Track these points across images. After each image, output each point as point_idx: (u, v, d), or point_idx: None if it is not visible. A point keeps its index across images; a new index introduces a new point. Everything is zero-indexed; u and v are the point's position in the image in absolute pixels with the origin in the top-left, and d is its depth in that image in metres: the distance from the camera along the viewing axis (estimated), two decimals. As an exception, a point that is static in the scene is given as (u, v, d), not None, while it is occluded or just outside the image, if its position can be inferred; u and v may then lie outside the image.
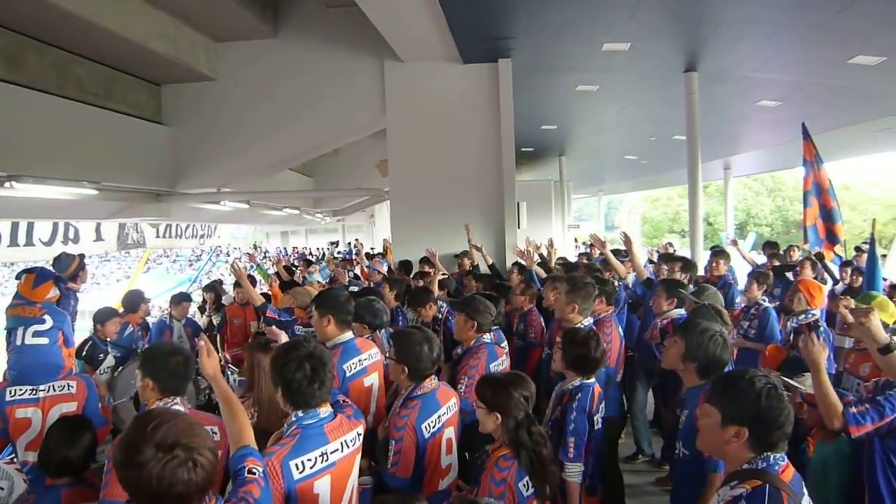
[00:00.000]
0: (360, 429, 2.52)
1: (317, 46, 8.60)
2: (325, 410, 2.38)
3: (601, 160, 19.54)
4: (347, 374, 3.28)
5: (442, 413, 2.90)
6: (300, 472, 2.20)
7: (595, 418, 3.17)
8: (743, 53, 7.62)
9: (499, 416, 2.50)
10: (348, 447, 2.41)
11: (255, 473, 1.93)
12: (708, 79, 8.22)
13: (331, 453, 2.33)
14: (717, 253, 7.15)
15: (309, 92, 8.67)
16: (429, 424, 2.80)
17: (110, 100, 8.16)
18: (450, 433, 2.95)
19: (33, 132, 6.85)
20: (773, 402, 1.92)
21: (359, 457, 2.51)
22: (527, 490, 2.44)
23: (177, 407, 2.54)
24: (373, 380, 3.45)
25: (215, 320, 7.39)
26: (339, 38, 8.48)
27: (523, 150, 14.80)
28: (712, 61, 7.79)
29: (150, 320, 6.74)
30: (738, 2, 6.06)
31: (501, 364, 3.90)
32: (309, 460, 2.24)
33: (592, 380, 3.22)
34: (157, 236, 20.84)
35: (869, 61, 7.10)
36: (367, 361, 3.42)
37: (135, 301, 6.21)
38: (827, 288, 6.73)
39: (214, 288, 7.96)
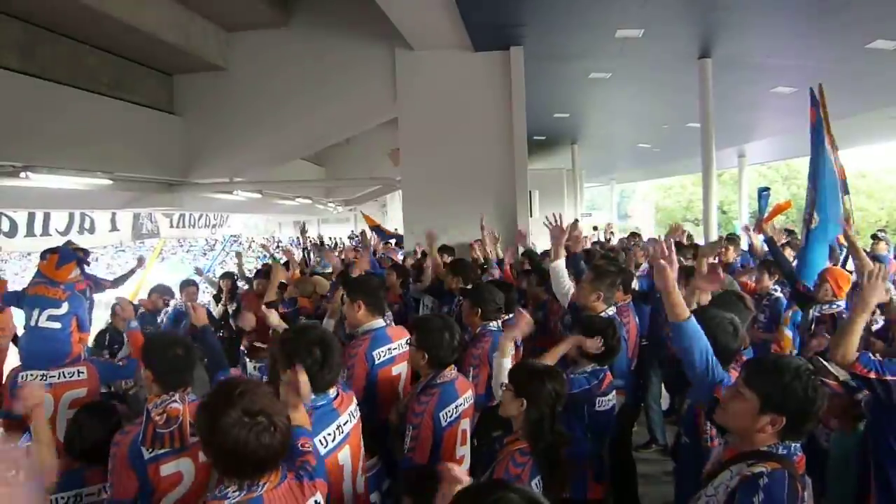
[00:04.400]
0: (355, 398, 2.59)
1: (328, 35, 8.58)
2: (333, 391, 2.42)
3: (614, 148, 19.36)
4: (377, 362, 3.24)
5: (460, 403, 2.87)
6: (325, 447, 2.25)
7: (600, 400, 3.15)
8: (758, 39, 7.50)
9: (524, 402, 2.45)
10: (354, 417, 2.49)
11: (308, 447, 2.04)
12: (722, 65, 8.09)
13: (343, 425, 2.39)
14: (726, 239, 7.07)
15: (320, 81, 8.67)
16: (446, 413, 2.78)
17: (122, 90, 8.21)
18: (465, 424, 2.93)
19: (46, 123, 6.90)
20: (818, 394, 1.88)
21: (360, 425, 2.55)
22: (538, 490, 2.37)
23: (174, 404, 2.46)
24: (400, 369, 3.41)
25: (230, 308, 7.41)
26: (350, 27, 8.46)
27: (535, 138, 14.70)
28: (727, 47, 7.68)
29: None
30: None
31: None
32: (329, 434, 2.30)
33: (605, 367, 3.21)
34: (171, 226, 21.02)
35: (888, 45, 7.00)
36: (395, 351, 3.36)
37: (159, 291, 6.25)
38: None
39: (230, 276, 7.97)
